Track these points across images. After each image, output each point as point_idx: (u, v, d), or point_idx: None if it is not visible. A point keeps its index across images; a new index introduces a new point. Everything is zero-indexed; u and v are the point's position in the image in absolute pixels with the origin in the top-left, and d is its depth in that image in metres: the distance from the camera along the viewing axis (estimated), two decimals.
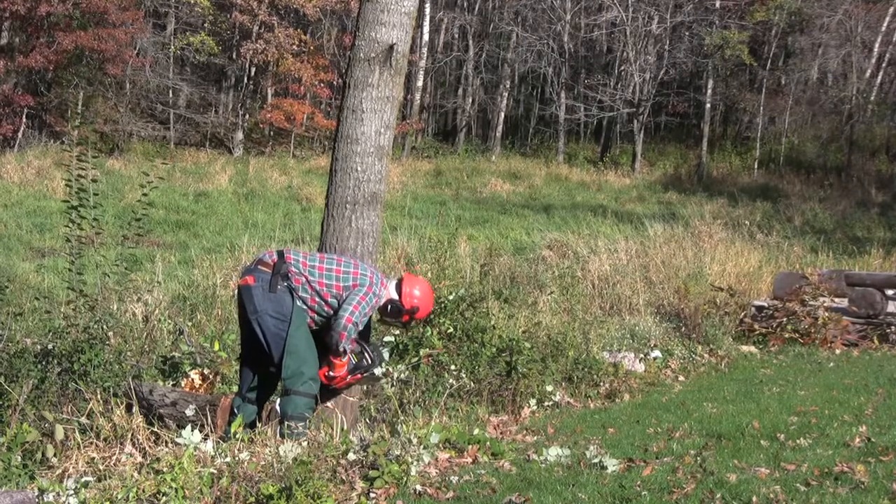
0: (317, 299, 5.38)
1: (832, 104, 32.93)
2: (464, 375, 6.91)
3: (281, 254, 5.42)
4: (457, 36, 41.29)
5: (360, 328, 5.40)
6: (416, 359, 7.00)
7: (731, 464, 5.02)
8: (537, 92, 42.07)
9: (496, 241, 16.43)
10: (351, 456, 4.95)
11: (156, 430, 5.17)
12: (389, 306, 5.56)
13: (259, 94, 35.94)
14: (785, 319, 10.59)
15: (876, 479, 4.61)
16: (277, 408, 5.43)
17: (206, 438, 5.02)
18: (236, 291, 5.54)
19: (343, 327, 5.27)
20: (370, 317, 5.57)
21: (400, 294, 5.56)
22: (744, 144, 35.79)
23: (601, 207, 22.93)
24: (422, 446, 5.17)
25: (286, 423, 5.25)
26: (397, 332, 6.42)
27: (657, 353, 9.08)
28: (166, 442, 4.96)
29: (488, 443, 5.56)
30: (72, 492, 4.47)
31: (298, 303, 5.36)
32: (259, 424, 5.42)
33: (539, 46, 36.64)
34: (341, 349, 5.34)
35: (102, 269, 8.04)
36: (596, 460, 5.19)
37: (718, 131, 38.28)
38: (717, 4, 34.45)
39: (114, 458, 4.86)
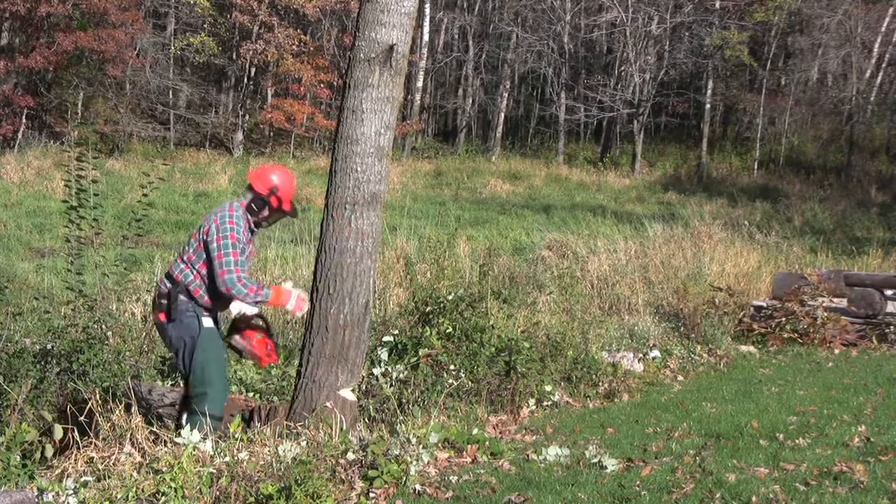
0: (200, 274, 5.38)
1: (832, 104, 32.96)
2: (463, 375, 6.90)
3: (169, 276, 5.43)
4: (457, 36, 41.30)
5: (242, 265, 5.28)
6: (415, 358, 7.00)
7: (730, 463, 5.02)
8: (537, 92, 42.10)
9: (496, 241, 16.43)
10: (350, 455, 4.96)
11: (155, 429, 5.17)
12: (253, 205, 5.46)
13: (259, 94, 35.96)
14: (784, 319, 10.58)
15: (875, 479, 4.62)
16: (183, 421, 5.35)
17: (205, 438, 5.02)
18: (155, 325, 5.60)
19: (222, 284, 5.24)
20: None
21: (253, 190, 5.49)
22: (744, 145, 35.80)
23: (601, 208, 22.94)
24: (421, 446, 5.18)
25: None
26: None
27: (656, 352, 9.07)
28: (165, 442, 4.96)
29: (487, 442, 5.56)
30: (71, 491, 4.47)
31: (206, 322, 5.38)
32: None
33: (539, 47, 36.65)
34: (236, 294, 5.25)
35: (102, 269, 8.04)
36: (595, 460, 5.20)
37: (718, 132, 38.30)
38: (717, 5, 34.46)
39: (113, 457, 4.86)
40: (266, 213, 5.54)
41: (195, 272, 5.39)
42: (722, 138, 37.67)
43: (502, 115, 37.24)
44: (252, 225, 5.52)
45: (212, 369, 5.39)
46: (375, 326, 8.12)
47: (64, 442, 5.05)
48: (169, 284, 5.40)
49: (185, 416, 5.40)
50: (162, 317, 5.41)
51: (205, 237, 5.35)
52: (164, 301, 5.39)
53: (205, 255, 5.37)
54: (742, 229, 16.36)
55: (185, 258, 5.43)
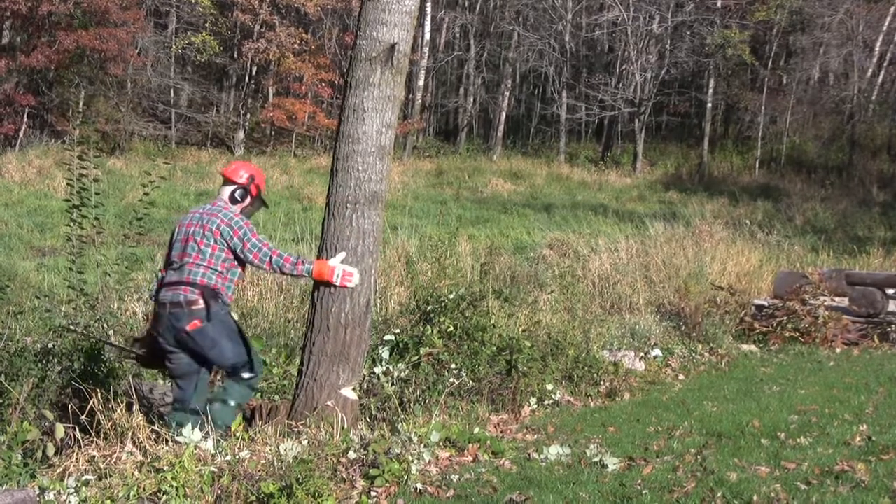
0: (229, 274, 5.53)
1: (833, 103, 32.92)
2: (464, 374, 6.90)
3: (188, 283, 5.42)
4: (458, 35, 41.29)
5: (264, 240, 5.50)
6: (416, 357, 7.00)
7: (731, 462, 5.02)
8: (539, 91, 42.08)
9: (497, 240, 16.42)
10: (351, 454, 4.96)
11: (156, 428, 5.18)
12: (237, 195, 5.65)
13: (260, 93, 35.95)
14: (785, 318, 10.57)
15: (876, 478, 4.61)
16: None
17: (206, 437, 5.02)
18: (185, 336, 5.43)
19: (260, 264, 5.45)
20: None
21: (232, 183, 5.67)
22: (745, 144, 35.77)
23: (602, 207, 22.93)
24: (422, 445, 5.18)
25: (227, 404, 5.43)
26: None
27: (657, 351, 9.06)
28: (167, 440, 4.96)
29: (489, 441, 5.57)
30: (72, 490, 4.47)
31: (230, 311, 5.59)
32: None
33: (540, 46, 36.64)
34: (276, 267, 5.44)
35: (103, 268, 8.05)
36: (596, 459, 5.20)
37: (720, 131, 38.27)
38: (719, 4, 34.42)
39: (114, 456, 4.86)
40: (248, 201, 5.70)
41: (218, 273, 5.47)
42: (723, 137, 37.64)
43: (503, 113, 37.22)
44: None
45: (251, 350, 5.56)
46: (377, 325, 8.12)
47: (65, 441, 5.06)
48: (197, 290, 5.41)
49: (227, 385, 5.50)
50: (197, 323, 5.38)
51: (224, 240, 5.44)
52: (199, 307, 5.39)
53: (223, 255, 5.46)
54: (743, 228, 16.36)
55: (205, 263, 5.45)
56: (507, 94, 38.01)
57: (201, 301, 5.39)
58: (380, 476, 4.74)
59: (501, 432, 6.25)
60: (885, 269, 13.50)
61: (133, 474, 4.57)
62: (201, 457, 4.78)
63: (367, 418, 6.10)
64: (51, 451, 4.90)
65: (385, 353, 7.14)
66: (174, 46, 33.77)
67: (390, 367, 6.83)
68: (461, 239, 13.03)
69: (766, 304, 11.19)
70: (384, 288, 9.97)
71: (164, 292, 5.49)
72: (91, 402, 5.42)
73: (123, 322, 8.17)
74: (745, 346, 10.16)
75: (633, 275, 12.22)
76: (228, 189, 5.66)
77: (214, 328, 5.40)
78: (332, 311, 5.59)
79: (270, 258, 5.43)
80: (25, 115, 28.11)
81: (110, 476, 4.61)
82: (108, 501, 4.38)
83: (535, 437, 6.10)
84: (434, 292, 8.00)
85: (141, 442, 5.00)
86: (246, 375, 5.48)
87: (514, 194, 25.84)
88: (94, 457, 4.87)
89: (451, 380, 6.68)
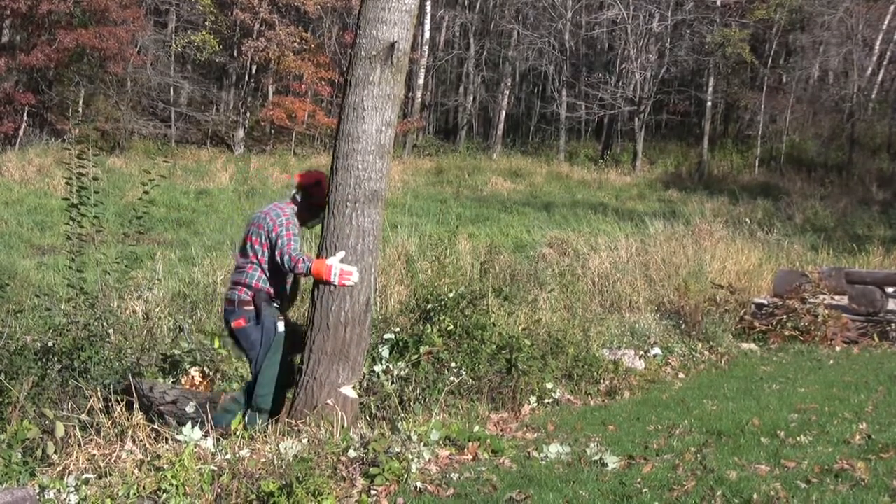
0: (272, 273, 5.65)
1: (833, 102, 32.90)
2: (464, 372, 6.90)
3: (244, 285, 5.63)
4: (458, 34, 41.30)
5: (295, 241, 5.57)
6: (416, 356, 6.99)
7: (731, 461, 5.02)
8: (538, 90, 42.09)
9: (497, 238, 16.43)
10: (351, 453, 4.96)
11: (156, 427, 5.18)
12: (297, 196, 5.82)
13: (260, 91, 35.95)
14: (785, 317, 10.57)
15: (876, 477, 4.61)
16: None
17: (206, 435, 5.02)
18: (230, 331, 5.75)
19: (281, 263, 5.52)
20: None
21: (301, 188, 5.83)
22: (745, 142, 35.77)
23: (602, 205, 22.93)
24: (422, 443, 5.18)
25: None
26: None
27: (657, 350, 9.06)
28: (167, 439, 4.97)
29: (488, 440, 5.56)
30: (72, 489, 4.47)
31: (280, 326, 5.69)
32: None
33: (540, 44, 36.65)
34: (287, 267, 5.52)
35: (103, 266, 8.05)
36: (596, 457, 5.20)
37: (719, 129, 38.27)
38: (718, 2, 34.41)
39: (114, 455, 4.86)
40: (310, 205, 5.81)
41: (268, 275, 5.63)
42: (723, 136, 37.64)
43: (503, 112, 37.23)
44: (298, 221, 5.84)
45: (276, 372, 5.67)
46: (376, 324, 8.12)
47: (65, 439, 5.06)
48: (250, 292, 5.60)
49: (247, 414, 5.61)
50: (242, 322, 5.59)
51: (268, 234, 5.59)
52: (249, 308, 5.59)
53: (264, 248, 5.62)
54: (743, 227, 16.35)
55: (260, 265, 5.61)
56: (506, 92, 38.01)
57: (252, 303, 5.59)
58: (380, 475, 4.74)
59: (501, 431, 6.25)
60: (884, 268, 13.49)
61: (133, 473, 4.57)
62: (201, 455, 4.78)
63: (367, 417, 6.10)
64: (50, 449, 4.90)
65: (385, 352, 7.13)
66: (174, 45, 33.76)
67: (390, 366, 6.83)
68: (461, 237, 13.04)
69: (765, 302, 11.18)
70: (384, 286, 9.98)
71: (227, 291, 5.78)
72: (91, 401, 5.42)
73: (123, 321, 8.18)
74: (744, 345, 10.16)
75: (633, 273, 12.22)
76: (293, 191, 5.88)
77: (256, 332, 5.59)
78: (331, 309, 5.60)
79: (283, 259, 5.53)
80: (25, 114, 28.11)
81: (110, 475, 4.62)
82: (108, 500, 4.38)
83: (535, 435, 6.09)
84: (434, 291, 8.00)
85: (141, 440, 5.00)
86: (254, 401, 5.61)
87: (514, 193, 25.84)
88: (93, 455, 4.87)
89: (451, 378, 6.68)
